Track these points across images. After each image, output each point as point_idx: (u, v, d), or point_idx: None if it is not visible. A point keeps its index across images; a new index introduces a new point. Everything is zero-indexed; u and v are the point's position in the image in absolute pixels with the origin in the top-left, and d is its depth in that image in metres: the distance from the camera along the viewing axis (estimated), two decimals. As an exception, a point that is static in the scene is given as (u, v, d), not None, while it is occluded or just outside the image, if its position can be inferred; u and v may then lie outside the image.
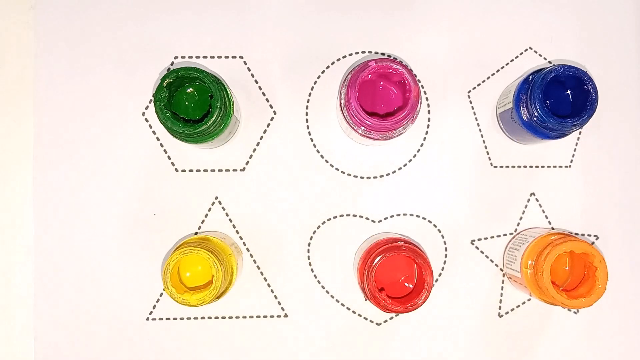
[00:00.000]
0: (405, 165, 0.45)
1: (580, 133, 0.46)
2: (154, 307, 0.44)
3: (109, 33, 0.44)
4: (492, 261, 0.45)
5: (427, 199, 0.45)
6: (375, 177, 0.45)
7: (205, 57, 0.45)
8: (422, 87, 0.45)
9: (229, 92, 0.39)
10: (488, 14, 0.46)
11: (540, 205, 0.45)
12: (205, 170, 0.44)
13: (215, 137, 0.39)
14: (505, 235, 0.45)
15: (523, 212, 0.45)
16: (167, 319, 0.44)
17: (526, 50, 0.46)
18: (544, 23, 0.46)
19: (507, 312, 0.45)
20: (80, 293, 0.43)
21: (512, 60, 0.46)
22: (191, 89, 0.40)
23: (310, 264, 0.44)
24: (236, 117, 0.41)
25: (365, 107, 0.39)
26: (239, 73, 0.45)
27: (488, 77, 0.46)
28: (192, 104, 0.40)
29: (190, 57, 0.45)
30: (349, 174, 0.45)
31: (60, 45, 0.44)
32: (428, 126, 0.45)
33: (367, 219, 0.45)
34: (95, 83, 0.44)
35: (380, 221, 0.45)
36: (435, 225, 0.45)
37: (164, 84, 0.37)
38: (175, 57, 0.45)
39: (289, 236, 0.44)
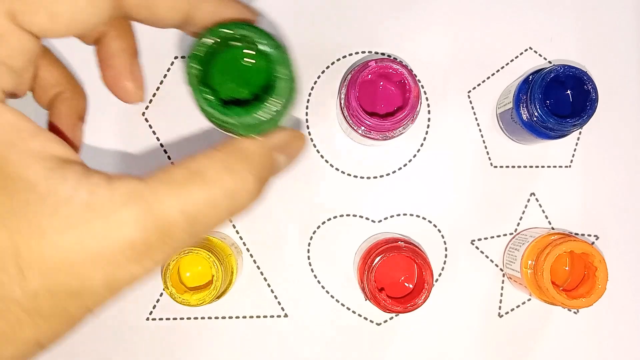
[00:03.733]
0: (405, 165, 0.45)
1: (580, 133, 0.46)
2: (154, 307, 0.44)
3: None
4: (492, 261, 0.45)
5: (427, 199, 0.45)
6: (375, 177, 0.45)
7: (205, 57, 0.45)
8: (422, 87, 0.45)
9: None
10: (488, 14, 0.46)
11: (540, 205, 0.45)
12: (205, 170, 0.44)
13: (273, 126, 0.26)
14: (505, 235, 0.45)
15: (523, 212, 0.45)
16: (167, 319, 0.44)
17: (526, 50, 0.46)
18: (544, 23, 0.46)
19: (507, 312, 0.45)
20: (80, 293, 0.43)
21: (512, 60, 0.46)
22: (245, 56, 0.26)
23: (310, 264, 0.44)
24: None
25: (365, 107, 0.39)
26: (239, 73, 0.45)
27: (488, 77, 0.46)
28: (228, 75, 0.26)
29: (190, 57, 0.45)
30: (349, 174, 0.45)
31: (59, 45, 0.44)
32: (428, 126, 0.45)
33: (367, 219, 0.45)
34: (94, 83, 0.44)
35: (380, 221, 0.45)
36: (435, 225, 0.45)
37: (200, 52, 0.24)
38: (175, 57, 0.45)
39: (289, 236, 0.44)
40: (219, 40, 0.24)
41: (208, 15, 0.23)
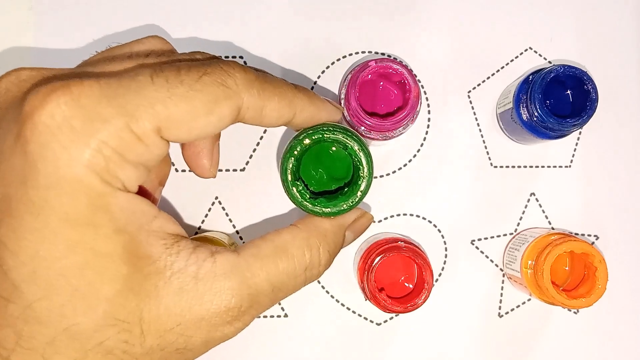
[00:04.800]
0: (405, 165, 0.45)
1: (580, 133, 0.46)
2: (154, 307, 0.44)
3: (109, 33, 0.44)
4: (492, 261, 0.45)
5: (427, 199, 0.45)
6: (375, 177, 0.45)
7: (205, 57, 0.45)
8: (422, 87, 0.45)
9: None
10: (488, 14, 0.46)
11: (540, 205, 0.45)
12: (205, 170, 0.44)
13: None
14: (505, 235, 0.45)
15: (523, 212, 0.45)
16: (167, 319, 0.44)
17: (526, 50, 0.46)
18: (544, 23, 0.46)
19: (507, 312, 0.45)
20: (80, 293, 0.43)
21: (512, 60, 0.46)
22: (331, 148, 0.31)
23: (310, 264, 0.44)
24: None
25: (365, 107, 0.39)
26: (239, 73, 0.45)
27: (488, 77, 0.46)
28: (315, 166, 0.31)
29: (190, 57, 0.45)
30: (349, 174, 0.45)
31: (59, 46, 0.44)
32: (428, 126, 0.45)
33: (367, 219, 0.45)
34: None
35: (380, 221, 0.45)
36: (435, 225, 0.45)
37: (298, 152, 0.29)
38: (175, 57, 0.44)
39: (289, 236, 0.44)
40: (314, 140, 0.29)
41: (306, 119, 0.28)
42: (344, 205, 0.29)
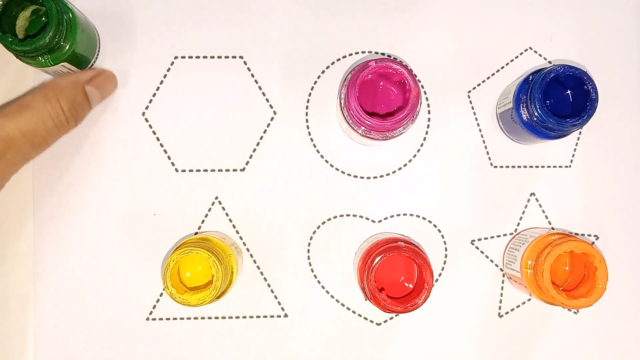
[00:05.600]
0: (405, 165, 0.45)
1: (580, 133, 0.46)
2: (154, 307, 0.44)
3: (109, 32, 0.44)
4: (492, 261, 0.45)
5: (427, 199, 0.45)
6: (375, 177, 0.45)
7: (205, 57, 0.45)
8: (422, 87, 0.45)
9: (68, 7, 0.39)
10: (488, 14, 0.46)
11: (540, 205, 0.45)
12: (205, 170, 0.44)
13: (69, 54, 0.39)
14: (505, 235, 0.45)
15: (523, 212, 0.45)
16: (167, 319, 0.44)
17: (526, 50, 0.46)
18: (544, 23, 0.46)
19: (507, 312, 0.45)
20: (80, 293, 0.43)
21: (512, 60, 0.46)
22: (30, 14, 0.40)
23: (310, 264, 0.44)
24: (88, 30, 0.41)
25: (365, 107, 0.39)
26: (239, 73, 0.45)
27: (488, 77, 0.46)
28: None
29: (190, 57, 0.45)
30: (349, 174, 0.45)
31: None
32: (428, 126, 0.45)
33: (367, 219, 0.45)
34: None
35: (380, 221, 0.45)
36: (435, 225, 0.45)
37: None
38: (175, 57, 0.45)
39: (289, 236, 0.44)
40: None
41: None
42: (42, 40, 0.36)
